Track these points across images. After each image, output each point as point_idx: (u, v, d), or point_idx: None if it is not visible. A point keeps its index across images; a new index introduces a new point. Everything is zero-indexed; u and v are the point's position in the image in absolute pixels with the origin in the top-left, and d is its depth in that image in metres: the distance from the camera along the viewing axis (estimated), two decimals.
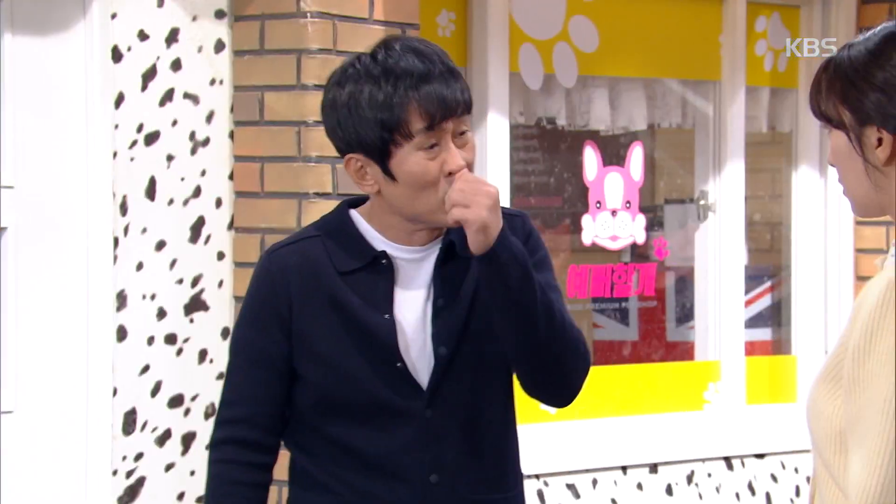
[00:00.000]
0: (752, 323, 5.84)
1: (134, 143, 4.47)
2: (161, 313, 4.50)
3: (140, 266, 4.47)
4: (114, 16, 4.41)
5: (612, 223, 5.48)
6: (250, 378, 2.54)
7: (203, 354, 4.55)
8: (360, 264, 2.52)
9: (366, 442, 2.51)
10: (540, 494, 5.22)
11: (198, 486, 4.43)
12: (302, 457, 2.56)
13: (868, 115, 2.08)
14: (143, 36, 4.47)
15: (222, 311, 4.57)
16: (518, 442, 2.63)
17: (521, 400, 2.68)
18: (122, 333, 4.44)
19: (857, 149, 2.10)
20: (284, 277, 2.52)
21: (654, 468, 5.44)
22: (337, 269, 2.52)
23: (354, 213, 2.57)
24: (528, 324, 2.46)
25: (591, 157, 5.47)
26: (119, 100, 4.44)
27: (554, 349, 2.48)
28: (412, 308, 2.53)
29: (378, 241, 2.54)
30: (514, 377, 2.60)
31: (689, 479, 5.52)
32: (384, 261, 2.52)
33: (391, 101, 2.46)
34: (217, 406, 2.59)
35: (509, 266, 2.45)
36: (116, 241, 4.44)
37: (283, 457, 2.63)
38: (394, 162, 2.48)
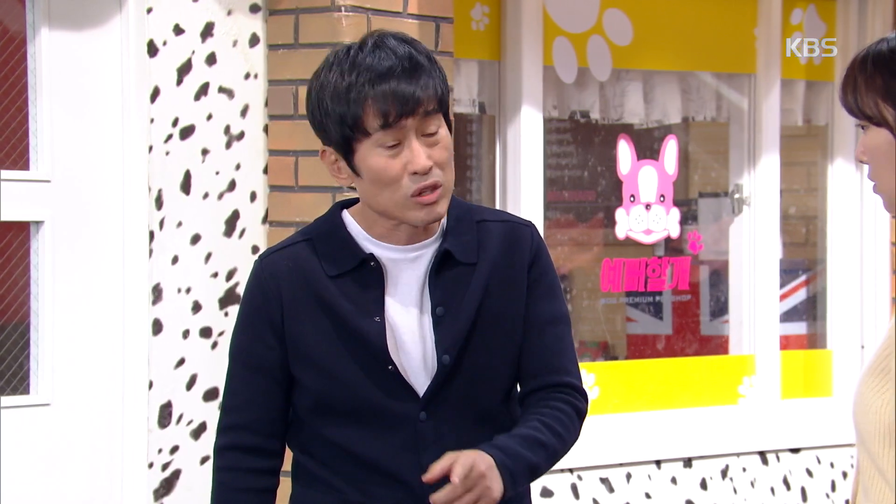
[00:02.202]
0: (787, 317, 5.82)
1: (169, 137, 4.49)
2: (196, 307, 4.52)
3: (175, 260, 4.49)
4: (149, 10, 4.42)
5: (645, 217, 5.47)
6: (249, 384, 2.54)
7: None
8: (349, 267, 2.51)
9: (361, 444, 2.51)
10: (574, 488, 5.22)
11: None
12: (304, 457, 2.55)
13: None
14: (178, 30, 4.48)
15: None
16: None
17: None
18: (157, 327, 4.46)
19: None
20: (275, 283, 2.52)
21: (688, 462, 5.43)
22: (326, 273, 2.51)
23: (346, 215, 2.55)
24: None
25: (624, 151, 5.46)
26: (154, 94, 4.45)
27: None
28: (404, 311, 2.52)
29: (366, 243, 2.53)
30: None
31: (724, 473, 5.50)
32: (373, 263, 2.51)
33: (348, 95, 2.44)
34: (219, 412, 2.59)
35: (521, 483, 2.49)
36: (152, 234, 4.45)
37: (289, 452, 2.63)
38: (357, 158, 2.47)
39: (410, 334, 2.52)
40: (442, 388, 2.51)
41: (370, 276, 2.51)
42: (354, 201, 2.58)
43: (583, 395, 2.59)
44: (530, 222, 2.61)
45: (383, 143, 2.45)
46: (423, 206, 2.47)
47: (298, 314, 2.51)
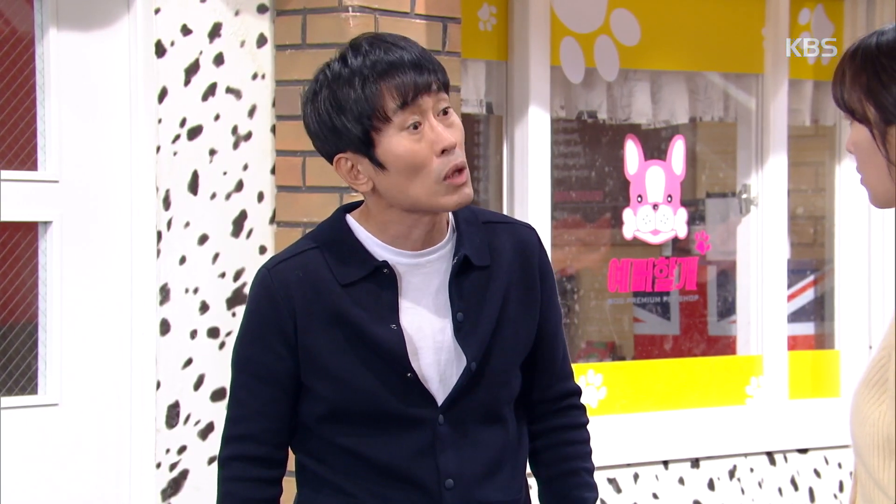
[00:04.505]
0: (795, 317, 5.82)
1: (177, 137, 4.49)
2: (204, 307, 4.52)
3: (183, 260, 4.49)
4: (157, 11, 4.43)
5: (653, 217, 5.47)
6: (255, 394, 2.52)
7: None
8: (362, 275, 2.49)
9: (377, 450, 2.50)
10: None
11: None
12: (311, 462, 2.55)
13: (893, 115, 1.99)
14: (186, 31, 4.48)
15: None
16: (527, 446, 2.63)
17: None
18: (165, 327, 4.46)
19: (881, 149, 2.01)
20: (287, 293, 2.49)
21: (695, 463, 5.43)
22: (339, 282, 2.49)
23: (351, 220, 2.53)
24: None
25: (632, 151, 5.46)
26: (162, 94, 4.45)
27: None
28: (419, 317, 2.50)
29: (377, 248, 2.51)
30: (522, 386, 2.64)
31: (732, 473, 5.50)
32: (386, 270, 2.50)
33: (364, 93, 2.44)
34: (224, 422, 2.59)
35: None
36: (159, 235, 4.45)
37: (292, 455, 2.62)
38: (379, 150, 2.46)
39: (426, 340, 2.51)
40: (461, 394, 2.51)
41: (384, 283, 2.50)
42: (356, 205, 2.57)
43: (581, 400, 2.68)
44: (530, 224, 2.63)
45: (404, 125, 2.45)
46: (455, 188, 2.46)
47: (312, 324, 2.49)
